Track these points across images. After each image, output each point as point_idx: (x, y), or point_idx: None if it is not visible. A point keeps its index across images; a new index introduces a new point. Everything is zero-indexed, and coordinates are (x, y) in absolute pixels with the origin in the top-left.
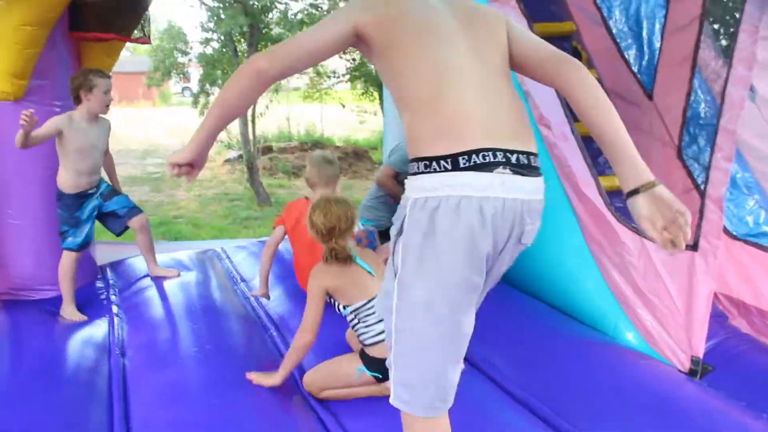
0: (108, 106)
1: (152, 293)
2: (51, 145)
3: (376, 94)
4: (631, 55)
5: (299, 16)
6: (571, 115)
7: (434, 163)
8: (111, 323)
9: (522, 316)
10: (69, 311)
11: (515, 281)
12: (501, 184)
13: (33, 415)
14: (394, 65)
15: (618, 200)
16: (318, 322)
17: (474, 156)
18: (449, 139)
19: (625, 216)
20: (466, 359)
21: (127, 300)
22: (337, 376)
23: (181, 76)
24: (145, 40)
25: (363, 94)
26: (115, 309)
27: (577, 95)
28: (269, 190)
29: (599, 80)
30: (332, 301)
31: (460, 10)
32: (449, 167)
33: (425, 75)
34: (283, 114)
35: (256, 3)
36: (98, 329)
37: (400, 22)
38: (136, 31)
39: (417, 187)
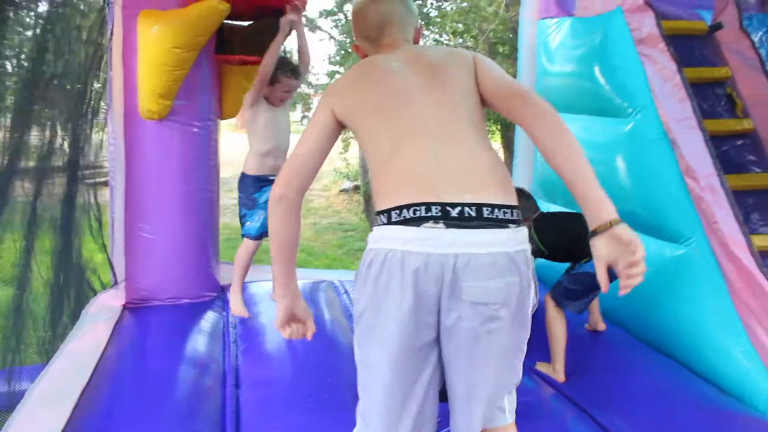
0: (283, 101)
1: (268, 323)
2: (189, 162)
3: (498, 133)
4: None
5: None
6: (722, 167)
7: (378, 217)
8: (227, 348)
9: (656, 378)
10: (234, 301)
11: (651, 339)
12: (425, 239)
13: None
14: (362, 137)
15: None
16: None
17: (404, 210)
18: (389, 195)
19: None
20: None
21: (243, 326)
22: None
23: (305, 106)
24: None
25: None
26: (232, 334)
27: (541, 136)
28: None
29: (755, 130)
30: None
31: (423, 66)
32: (385, 221)
33: (384, 142)
34: None
35: None
36: (213, 351)
37: (363, 98)
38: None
39: (369, 239)
